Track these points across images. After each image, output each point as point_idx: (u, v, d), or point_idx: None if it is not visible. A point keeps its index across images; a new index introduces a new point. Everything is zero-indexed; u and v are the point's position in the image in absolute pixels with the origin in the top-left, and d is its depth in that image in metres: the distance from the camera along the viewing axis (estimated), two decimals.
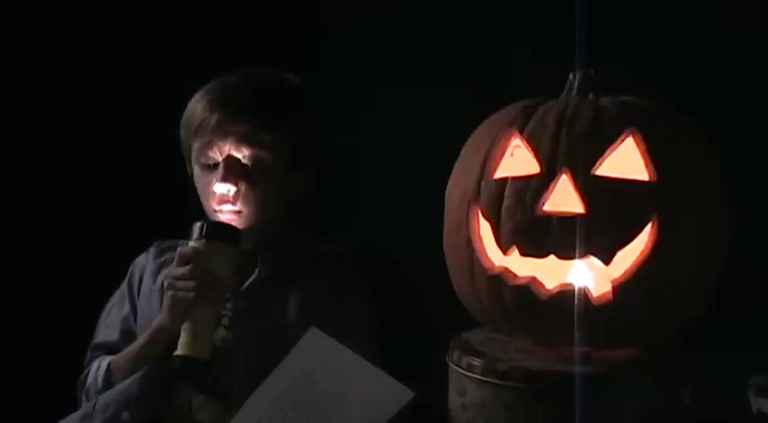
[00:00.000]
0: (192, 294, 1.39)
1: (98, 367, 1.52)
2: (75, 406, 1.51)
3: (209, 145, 1.50)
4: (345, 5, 1.87)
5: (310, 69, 1.62)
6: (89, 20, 1.93)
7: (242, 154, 1.49)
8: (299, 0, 1.90)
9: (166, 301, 1.42)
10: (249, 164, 1.49)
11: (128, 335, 1.56)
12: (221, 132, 1.48)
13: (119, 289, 1.64)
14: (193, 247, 1.42)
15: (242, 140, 1.48)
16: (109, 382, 1.49)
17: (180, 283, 1.40)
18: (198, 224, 1.43)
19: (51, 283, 1.89)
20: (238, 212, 1.51)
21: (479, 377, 1.28)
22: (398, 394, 1.24)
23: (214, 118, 1.48)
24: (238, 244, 1.44)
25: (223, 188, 1.48)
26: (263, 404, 1.25)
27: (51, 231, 1.91)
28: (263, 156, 1.50)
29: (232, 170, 1.49)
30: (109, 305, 1.63)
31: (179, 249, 1.44)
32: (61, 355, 1.69)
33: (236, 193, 1.49)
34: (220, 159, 1.49)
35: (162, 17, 1.91)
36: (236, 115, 1.48)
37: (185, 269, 1.40)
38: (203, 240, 1.41)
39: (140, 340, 1.49)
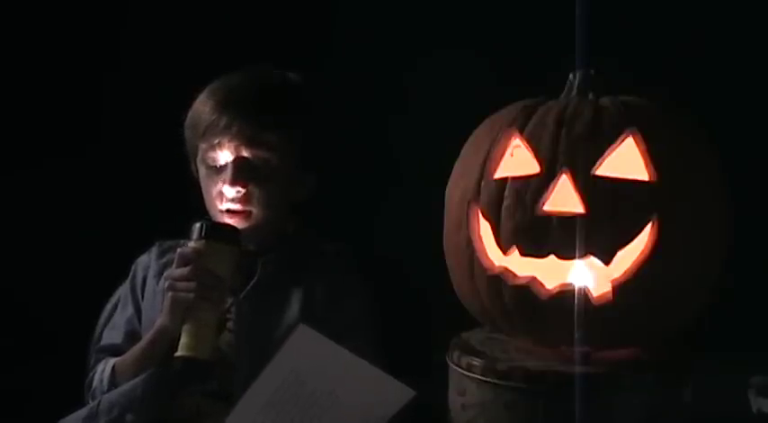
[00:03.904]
0: (192, 295, 1.39)
1: (103, 370, 1.52)
2: (77, 406, 1.51)
3: (216, 146, 1.50)
4: (348, 8, 1.88)
5: (313, 69, 1.62)
6: (92, 14, 1.93)
7: (250, 155, 1.49)
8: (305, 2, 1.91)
9: (167, 303, 1.42)
10: (257, 165, 1.50)
11: (132, 336, 1.55)
12: (229, 134, 1.48)
13: (120, 289, 1.64)
14: (193, 248, 1.42)
15: (250, 142, 1.48)
16: (114, 384, 1.49)
17: (180, 284, 1.40)
18: (197, 224, 1.43)
19: (52, 282, 1.88)
20: (246, 213, 1.51)
21: (479, 377, 1.28)
22: (399, 393, 1.24)
23: (223, 120, 1.48)
24: (239, 244, 1.45)
25: (232, 190, 1.48)
26: (255, 405, 1.25)
27: (52, 230, 1.91)
28: (270, 157, 1.50)
29: (241, 172, 1.49)
30: (110, 305, 1.63)
31: (179, 250, 1.44)
32: (62, 353, 1.70)
33: (245, 194, 1.49)
34: (228, 161, 1.50)
35: (164, 13, 1.91)
36: (244, 117, 1.48)
37: (186, 270, 1.40)
38: (203, 241, 1.41)
39: (143, 342, 1.49)
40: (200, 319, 1.39)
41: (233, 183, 1.48)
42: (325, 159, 1.58)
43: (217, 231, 1.43)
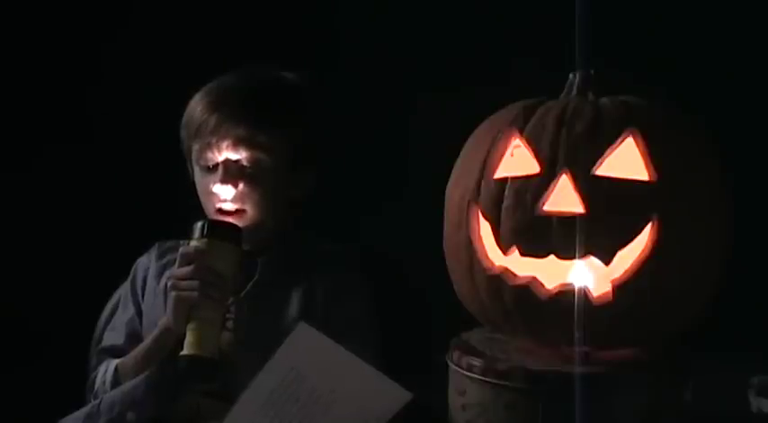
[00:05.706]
0: (195, 294, 1.39)
1: (105, 371, 1.52)
2: (77, 406, 1.51)
3: (208, 147, 1.50)
4: (351, 10, 1.88)
5: (314, 69, 1.62)
6: (93, 13, 1.93)
7: (241, 155, 1.50)
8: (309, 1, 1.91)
9: (170, 302, 1.42)
10: (248, 165, 1.50)
11: (133, 337, 1.56)
12: (220, 134, 1.48)
13: (120, 290, 1.64)
14: (196, 247, 1.42)
15: (240, 142, 1.49)
16: (117, 385, 1.49)
17: (183, 283, 1.40)
18: (199, 223, 1.43)
19: (52, 282, 1.89)
20: (239, 213, 1.51)
21: (479, 377, 1.28)
22: (396, 396, 1.24)
23: (213, 120, 1.48)
24: (240, 242, 1.45)
25: (222, 190, 1.49)
26: (254, 403, 1.25)
27: (52, 231, 1.91)
28: (262, 157, 1.50)
29: (231, 172, 1.49)
30: (110, 306, 1.63)
31: (181, 249, 1.44)
32: (62, 354, 1.70)
33: (236, 194, 1.49)
34: (219, 161, 1.50)
35: (167, 12, 1.91)
36: (235, 117, 1.48)
37: (188, 269, 1.40)
38: (205, 239, 1.42)
39: (147, 342, 1.49)
40: (204, 317, 1.39)
41: (223, 182, 1.48)
42: (321, 159, 1.58)
43: (219, 230, 1.43)
